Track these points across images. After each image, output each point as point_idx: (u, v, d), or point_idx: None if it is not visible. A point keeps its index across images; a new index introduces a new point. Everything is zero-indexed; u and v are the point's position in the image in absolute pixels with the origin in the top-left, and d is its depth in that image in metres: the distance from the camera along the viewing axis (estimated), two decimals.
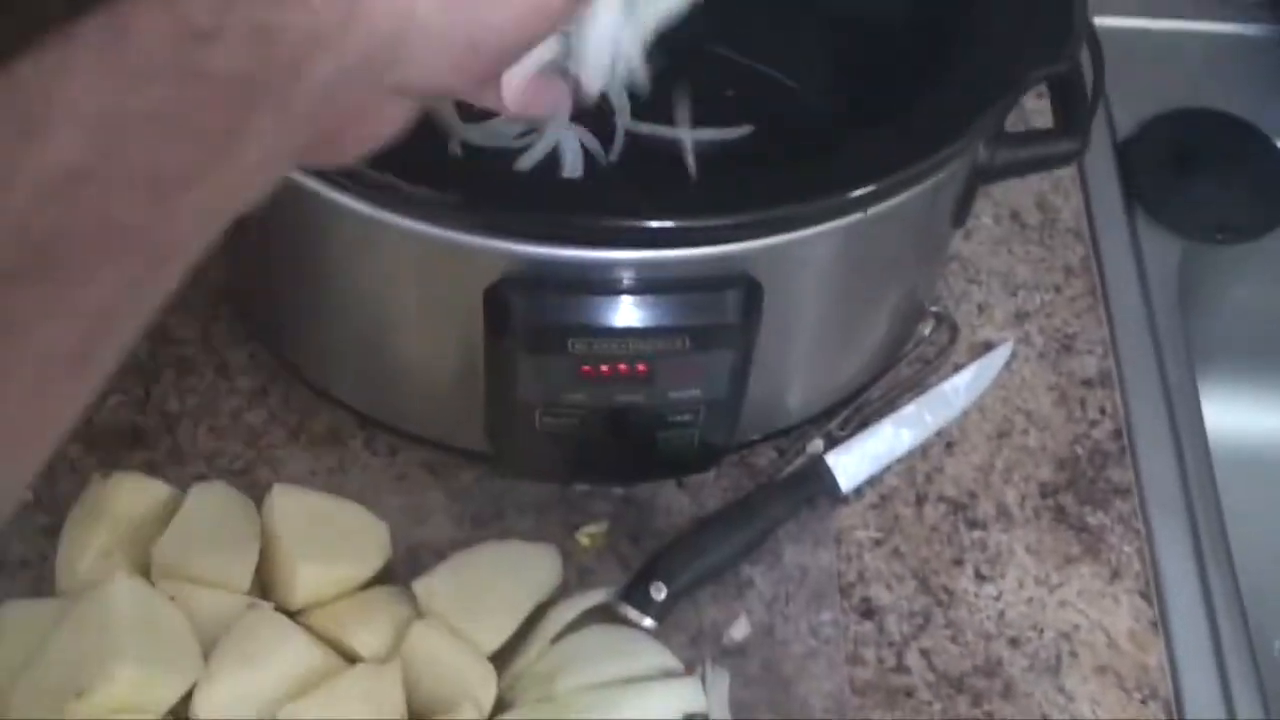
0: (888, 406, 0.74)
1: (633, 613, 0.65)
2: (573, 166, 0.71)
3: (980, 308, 0.79)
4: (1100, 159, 0.85)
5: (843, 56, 0.75)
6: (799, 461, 0.72)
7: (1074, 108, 0.67)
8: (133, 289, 0.34)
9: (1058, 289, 0.80)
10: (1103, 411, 0.75)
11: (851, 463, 0.71)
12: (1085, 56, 0.68)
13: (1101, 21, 0.90)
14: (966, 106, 0.60)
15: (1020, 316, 0.78)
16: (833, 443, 0.72)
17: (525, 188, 0.60)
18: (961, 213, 0.68)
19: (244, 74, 0.35)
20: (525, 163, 0.67)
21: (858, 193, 0.57)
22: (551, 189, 0.61)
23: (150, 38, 0.34)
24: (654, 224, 0.56)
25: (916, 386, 0.75)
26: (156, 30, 0.34)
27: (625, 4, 0.49)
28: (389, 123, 0.44)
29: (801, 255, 0.60)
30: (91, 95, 0.33)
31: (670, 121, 0.67)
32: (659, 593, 0.65)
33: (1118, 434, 0.74)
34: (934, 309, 0.77)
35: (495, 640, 0.63)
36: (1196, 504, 0.72)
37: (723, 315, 0.59)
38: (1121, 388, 0.76)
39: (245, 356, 0.74)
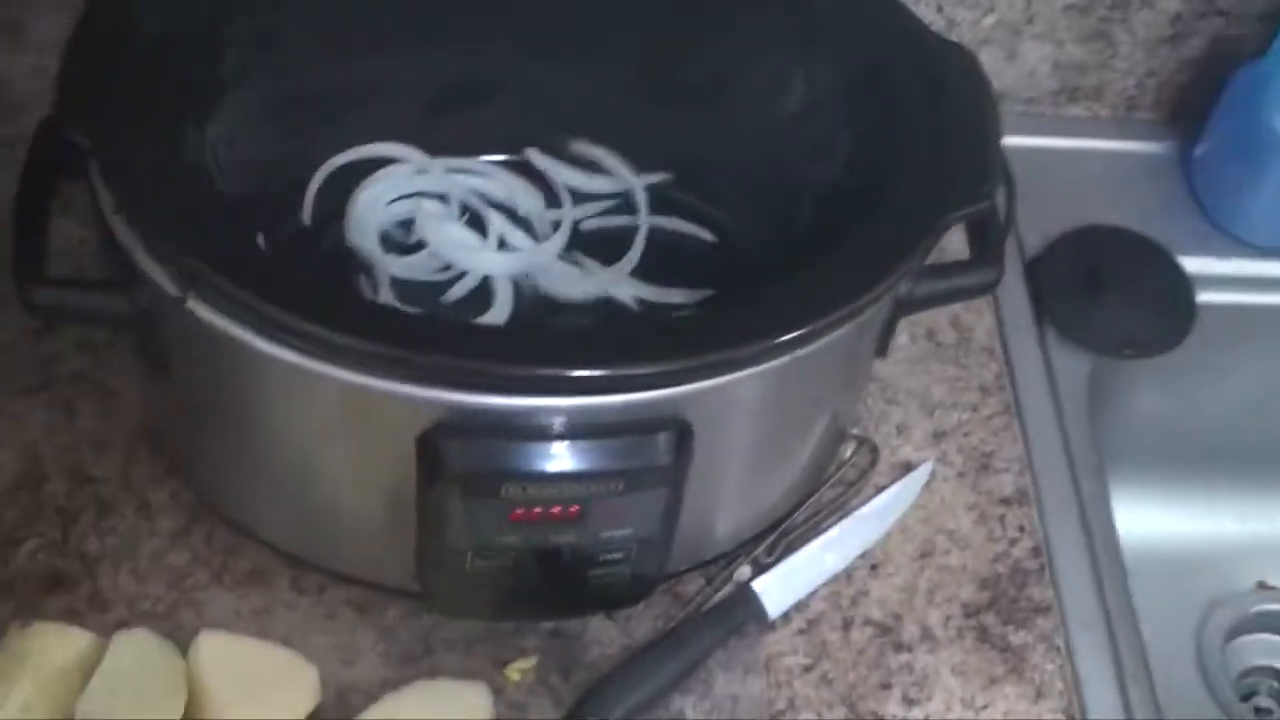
0: (812, 530, 0.74)
1: None
2: (501, 306, 0.72)
3: (899, 428, 0.80)
4: (1010, 277, 0.86)
5: (767, 198, 0.77)
6: (726, 589, 0.72)
7: (989, 238, 0.68)
8: None
9: (974, 407, 0.81)
10: (1021, 529, 0.77)
11: (778, 589, 0.72)
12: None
13: (1007, 142, 0.94)
14: (890, 249, 0.61)
15: (938, 436, 0.80)
16: (760, 569, 0.72)
17: (455, 336, 0.60)
18: (884, 343, 0.69)
19: None
20: (454, 294, 0.68)
21: (787, 337, 0.58)
22: (481, 337, 0.62)
23: None
24: (586, 373, 0.56)
25: (839, 508, 0.76)
26: None
27: None
28: None
29: (731, 396, 0.60)
30: None
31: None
32: None
33: (1036, 551, 0.76)
34: (854, 432, 0.78)
35: None
36: (1115, 620, 0.74)
37: (655, 457, 0.59)
38: (1039, 505, 0.78)
39: (166, 495, 0.73)
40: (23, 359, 0.77)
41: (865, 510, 0.75)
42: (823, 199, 0.72)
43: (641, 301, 0.77)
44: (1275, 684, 0.97)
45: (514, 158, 0.81)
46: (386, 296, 0.75)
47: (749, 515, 0.72)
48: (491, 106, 0.80)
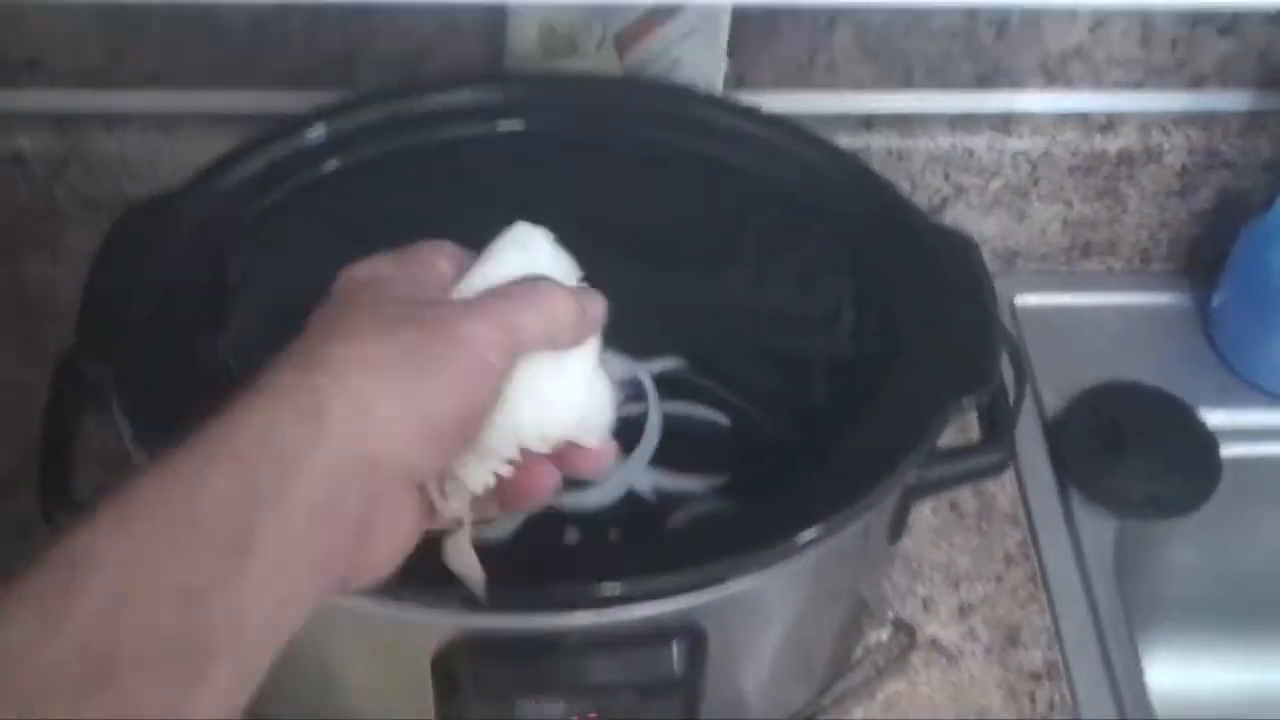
0: (840, 714, 0.74)
1: None
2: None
3: (925, 603, 0.80)
4: (1031, 439, 0.87)
5: (775, 380, 0.77)
6: None
7: (997, 418, 0.69)
8: (182, 691, 0.39)
9: (999, 578, 0.81)
10: (1052, 705, 0.76)
11: None
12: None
13: (1022, 300, 0.95)
14: (898, 442, 0.62)
15: (965, 610, 0.80)
16: None
17: None
18: (897, 529, 0.69)
19: (239, 491, 0.41)
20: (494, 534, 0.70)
21: (791, 543, 0.59)
22: (493, 556, 0.62)
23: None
24: (596, 591, 0.57)
25: (872, 693, 0.75)
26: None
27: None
28: (406, 511, 0.47)
29: (743, 600, 0.61)
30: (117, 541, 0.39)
31: None
32: None
33: None
34: (890, 615, 0.78)
35: None
36: None
37: (668, 669, 0.59)
38: (1069, 678, 0.77)
39: None
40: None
41: None
42: (830, 383, 0.73)
43: (659, 491, 0.77)
44: None
45: None
46: None
47: (770, 707, 0.72)
48: None
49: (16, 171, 0.91)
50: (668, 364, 0.81)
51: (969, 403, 0.64)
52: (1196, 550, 0.89)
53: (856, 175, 0.73)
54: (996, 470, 0.70)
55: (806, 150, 0.74)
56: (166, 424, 0.61)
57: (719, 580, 0.58)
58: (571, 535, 0.76)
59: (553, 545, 0.69)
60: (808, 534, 0.59)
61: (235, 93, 0.89)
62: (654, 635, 0.59)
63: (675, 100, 0.77)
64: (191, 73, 0.88)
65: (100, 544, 0.39)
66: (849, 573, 0.68)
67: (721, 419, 0.80)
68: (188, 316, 0.67)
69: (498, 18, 0.84)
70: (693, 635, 0.60)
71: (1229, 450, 0.87)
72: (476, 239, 0.78)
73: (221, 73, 0.88)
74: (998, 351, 0.66)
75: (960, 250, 0.70)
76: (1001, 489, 0.85)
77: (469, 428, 0.48)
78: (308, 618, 0.44)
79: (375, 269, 0.51)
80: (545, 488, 0.52)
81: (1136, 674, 0.77)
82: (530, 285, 0.51)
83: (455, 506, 0.50)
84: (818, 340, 0.73)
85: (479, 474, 0.50)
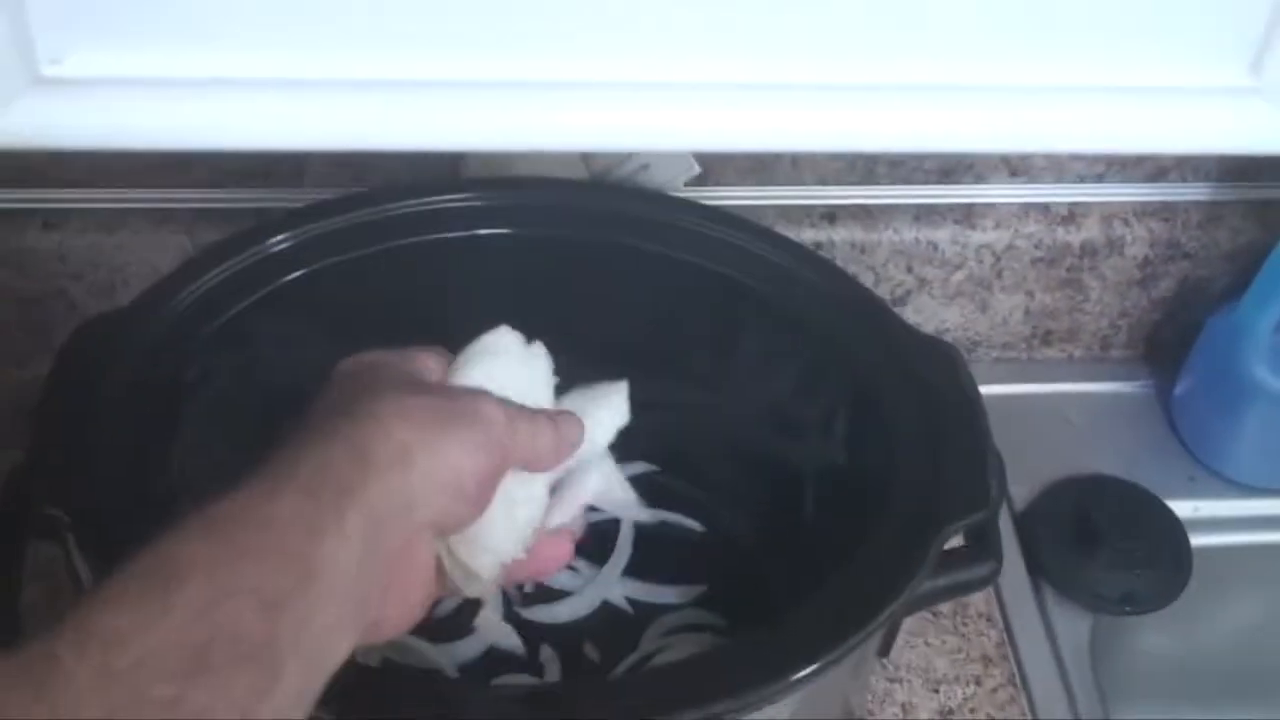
0: None
1: None
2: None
3: (904, 708, 0.78)
4: (1002, 534, 0.85)
5: (756, 486, 0.76)
6: None
7: (985, 530, 0.67)
8: (260, 690, 0.42)
9: (978, 680, 0.80)
10: None
11: None
12: None
13: (985, 390, 0.94)
14: (895, 569, 0.60)
15: (945, 715, 0.78)
16: None
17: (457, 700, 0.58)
18: (887, 646, 0.68)
19: (304, 516, 0.45)
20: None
21: (797, 676, 0.57)
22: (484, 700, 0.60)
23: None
24: None
25: None
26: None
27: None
28: (423, 570, 0.52)
29: None
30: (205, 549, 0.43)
31: None
32: None
33: None
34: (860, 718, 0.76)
35: None
36: None
37: None
38: None
39: None
40: None
41: None
42: (818, 492, 0.71)
43: (633, 602, 0.76)
44: None
45: None
46: None
47: None
48: None
49: None
50: (638, 468, 0.79)
51: (969, 519, 0.63)
52: (1168, 638, 0.89)
53: (840, 283, 0.72)
54: (986, 582, 0.68)
55: (789, 258, 0.72)
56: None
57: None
58: (547, 653, 0.74)
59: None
60: (807, 670, 0.57)
61: (178, 190, 0.86)
62: None
63: (659, 208, 0.76)
64: (132, 169, 0.85)
65: (191, 550, 0.43)
66: (838, 691, 0.67)
67: (695, 525, 0.79)
68: (143, 433, 0.64)
69: None
70: None
71: (1197, 540, 0.87)
72: (452, 344, 0.77)
73: (164, 168, 0.85)
74: (991, 475, 0.65)
75: (946, 361, 0.69)
76: None
77: (485, 494, 0.53)
78: (347, 654, 0.47)
79: (376, 356, 0.56)
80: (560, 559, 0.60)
81: None
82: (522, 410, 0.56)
83: (477, 586, 0.56)
84: (809, 446, 0.72)
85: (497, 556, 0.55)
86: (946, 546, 0.70)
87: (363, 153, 0.51)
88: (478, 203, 0.74)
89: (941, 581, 0.67)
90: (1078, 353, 0.97)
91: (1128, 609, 0.84)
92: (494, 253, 0.74)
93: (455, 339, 0.75)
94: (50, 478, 0.61)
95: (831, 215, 0.89)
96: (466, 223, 0.73)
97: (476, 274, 0.73)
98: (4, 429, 0.87)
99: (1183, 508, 0.88)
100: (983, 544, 0.68)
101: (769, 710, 0.58)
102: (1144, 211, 0.91)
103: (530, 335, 0.75)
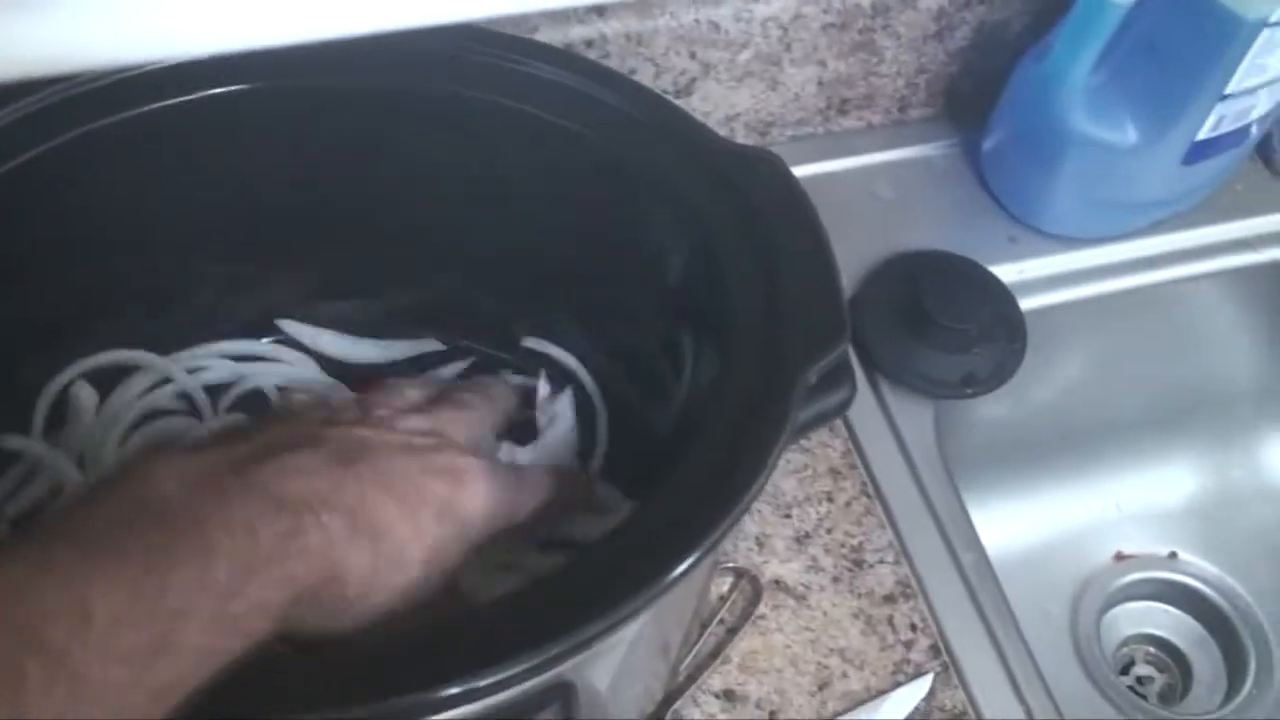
0: (696, 686, 0.67)
1: None
2: None
3: (759, 541, 0.73)
4: None
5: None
6: None
7: (838, 366, 0.61)
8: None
9: (830, 497, 0.75)
10: (914, 628, 0.71)
11: None
12: None
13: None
14: (759, 434, 0.53)
15: (801, 540, 0.73)
16: None
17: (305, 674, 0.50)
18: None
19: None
20: None
21: (673, 575, 0.50)
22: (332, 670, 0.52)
23: None
24: (451, 692, 0.47)
25: (725, 657, 0.68)
26: None
27: None
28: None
29: (613, 645, 0.52)
30: None
31: None
32: None
33: (935, 650, 0.70)
34: (728, 564, 0.71)
35: None
36: (1008, 656, 0.71)
37: None
38: (924, 595, 0.72)
39: None
40: None
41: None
42: (668, 349, 0.64)
43: None
44: (1150, 649, 0.95)
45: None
46: None
47: (634, 707, 0.64)
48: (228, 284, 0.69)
49: None
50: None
51: (829, 358, 0.56)
52: (1005, 407, 0.86)
53: (644, 102, 0.63)
54: (842, 410, 0.62)
55: (591, 85, 0.62)
56: None
57: (596, 640, 0.50)
58: None
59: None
60: (684, 566, 0.51)
61: None
62: (527, 704, 0.50)
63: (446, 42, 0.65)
64: None
65: None
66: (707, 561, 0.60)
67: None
68: None
69: None
70: (565, 692, 0.51)
71: (1026, 304, 0.82)
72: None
73: None
74: (843, 301, 0.58)
75: (773, 177, 0.61)
76: None
77: None
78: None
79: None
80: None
81: (986, 570, 0.73)
82: None
83: None
84: (654, 300, 0.64)
85: None
86: None
87: None
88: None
89: (799, 419, 0.61)
90: (876, 119, 0.90)
91: (969, 392, 0.79)
92: (260, 109, 0.62)
93: (220, 211, 0.65)
94: None
95: (600, 8, 0.78)
96: (187, 85, 0.61)
97: (241, 137, 0.62)
98: None
99: (1007, 271, 0.83)
100: (837, 370, 0.62)
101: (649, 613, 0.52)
102: None
103: (309, 196, 0.65)
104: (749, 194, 0.59)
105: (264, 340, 0.71)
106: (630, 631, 0.53)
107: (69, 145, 0.60)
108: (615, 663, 0.55)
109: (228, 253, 0.68)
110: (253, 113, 0.63)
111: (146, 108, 0.61)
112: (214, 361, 0.69)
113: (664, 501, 0.53)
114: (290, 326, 0.71)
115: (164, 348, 0.69)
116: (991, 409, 0.86)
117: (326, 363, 0.71)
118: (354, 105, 0.64)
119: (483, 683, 0.48)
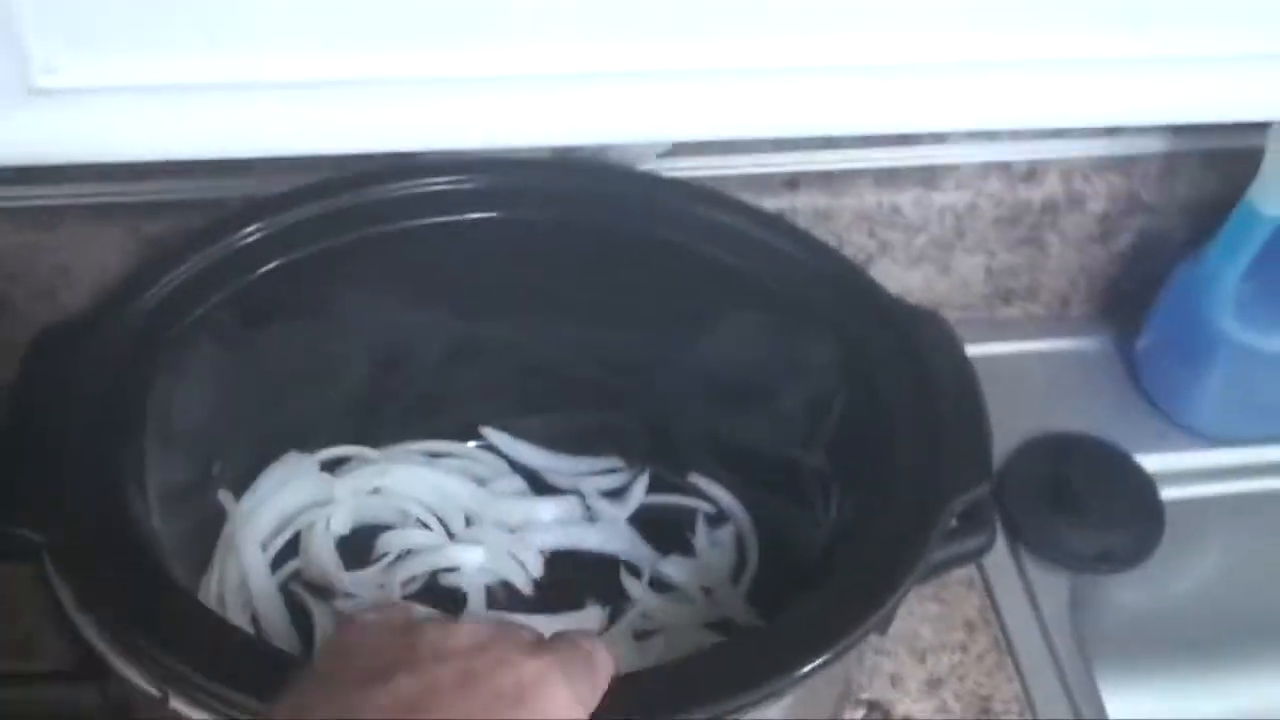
0: None
1: None
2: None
3: (893, 679, 0.78)
4: None
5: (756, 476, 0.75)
6: None
7: (978, 510, 0.67)
8: None
9: (964, 647, 0.80)
10: None
11: None
12: None
13: None
14: (903, 553, 0.60)
15: (933, 684, 0.78)
16: None
17: None
18: (885, 625, 0.67)
19: None
20: None
21: (814, 663, 0.56)
22: None
23: None
24: None
25: None
26: None
27: None
28: None
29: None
30: None
31: None
32: None
33: None
34: (864, 697, 0.76)
35: None
36: None
37: None
38: None
39: None
40: None
41: None
42: (813, 476, 0.70)
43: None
44: None
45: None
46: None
47: None
48: (436, 387, 0.78)
49: None
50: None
51: (971, 495, 0.62)
52: (1144, 593, 0.89)
53: (824, 257, 0.71)
54: (982, 554, 0.68)
55: (770, 233, 0.71)
56: (115, 591, 0.56)
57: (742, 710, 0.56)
58: None
59: None
60: (823, 658, 0.56)
61: (119, 183, 0.82)
62: None
63: (644, 188, 0.74)
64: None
65: None
66: (841, 674, 0.66)
67: (706, 507, 0.78)
68: (114, 443, 0.61)
69: None
70: None
71: (1168, 493, 0.87)
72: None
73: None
74: (990, 446, 0.64)
75: (937, 332, 0.68)
76: None
77: None
78: None
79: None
80: None
81: None
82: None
83: None
84: (806, 429, 0.71)
85: None
86: None
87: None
88: (457, 186, 0.71)
89: (939, 556, 0.67)
90: (1038, 310, 0.97)
91: (1105, 568, 0.84)
92: (478, 237, 0.72)
93: (438, 327, 0.74)
94: (19, 498, 0.58)
95: (794, 182, 0.87)
96: (446, 207, 0.71)
97: (459, 260, 0.71)
98: None
99: (1151, 461, 0.88)
100: (977, 517, 0.68)
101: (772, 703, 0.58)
102: (1102, 166, 0.90)
103: (515, 320, 0.74)
104: (913, 344, 0.67)
105: (470, 444, 0.79)
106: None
107: (317, 256, 0.70)
108: None
109: (439, 364, 0.77)
110: (479, 238, 0.73)
111: (391, 227, 0.71)
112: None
113: (804, 610, 0.60)
114: (492, 434, 0.79)
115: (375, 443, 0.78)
116: (1129, 594, 0.90)
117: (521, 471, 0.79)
118: (566, 237, 0.73)
119: None
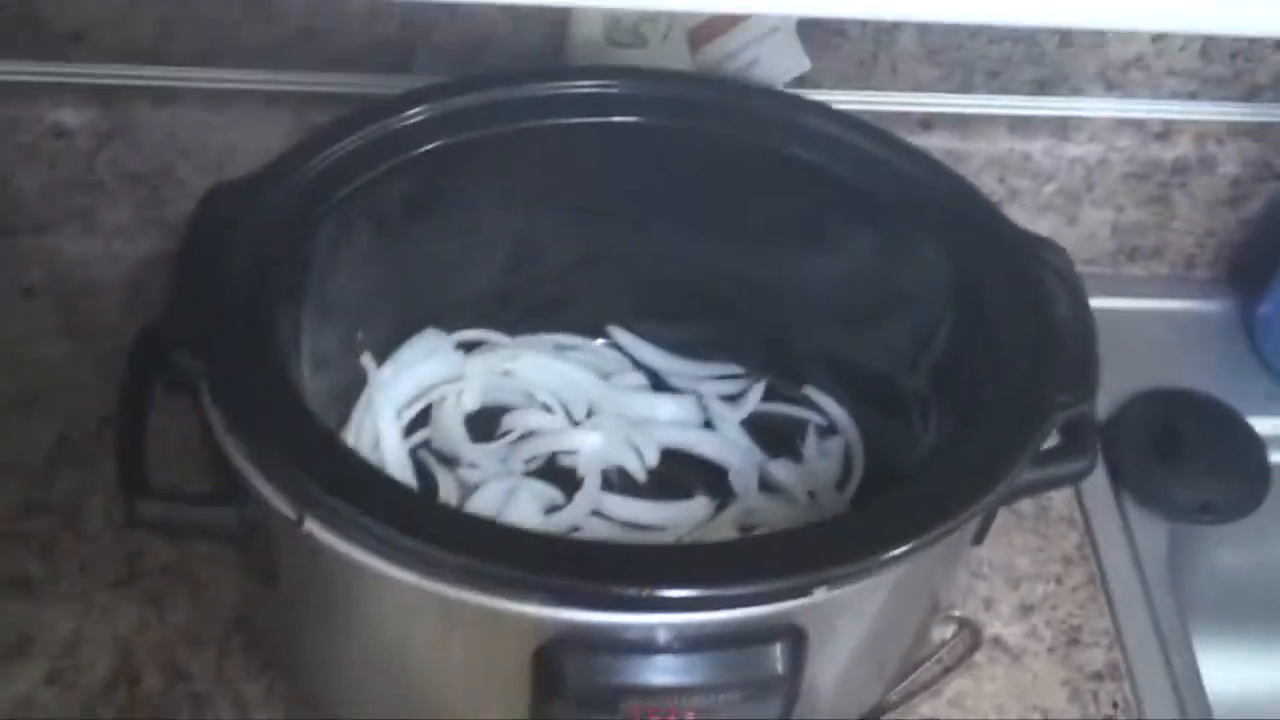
0: (907, 711, 0.75)
1: None
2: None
3: (986, 603, 0.80)
4: None
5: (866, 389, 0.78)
6: None
7: (1081, 428, 0.69)
8: None
9: (1059, 579, 0.82)
10: (1115, 705, 0.77)
11: None
12: None
13: None
14: (1006, 449, 0.62)
15: (1025, 609, 0.80)
16: None
17: (572, 555, 0.60)
18: (982, 533, 0.69)
19: None
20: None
21: (907, 547, 0.58)
22: (597, 555, 0.62)
23: None
24: (700, 593, 0.57)
25: (935, 690, 0.76)
26: None
27: None
28: None
29: (845, 601, 0.61)
30: None
31: None
32: None
33: None
34: (956, 614, 0.78)
35: None
36: None
37: (771, 668, 0.59)
38: (1131, 679, 0.78)
39: (262, 690, 0.73)
40: (109, 552, 0.78)
41: None
42: (922, 384, 0.73)
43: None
44: None
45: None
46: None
47: (847, 704, 0.72)
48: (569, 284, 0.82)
49: (59, 144, 0.89)
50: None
51: (1073, 410, 0.64)
52: (1245, 554, 0.91)
53: (947, 179, 0.73)
54: (1082, 476, 0.70)
55: (896, 155, 0.74)
56: (262, 422, 0.60)
57: (827, 585, 0.58)
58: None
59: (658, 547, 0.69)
60: (916, 541, 0.59)
61: (288, 73, 0.88)
62: (758, 635, 0.59)
63: (783, 105, 0.77)
64: (243, 51, 0.87)
65: None
66: (936, 573, 0.68)
67: (817, 418, 0.81)
68: (273, 294, 0.66)
69: (560, 8, 0.84)
70: (795, 636, 0.59)
71: (1276, 457, 0.88)
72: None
73: (273, 52, 0.87)
74: (1097, 359, 0.66)
75: (1051, 255, 0.71)
76: (1058, 492, 0.85)
77: None
78: None
79: None
80: None
81: (1195, 675, 0.78)
82: None
83: None
84: (917, 341, 0.73)
85: None
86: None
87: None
88: (606, 89, 0.75)
89: (1039, 474, 0.69)
90: (1162, 270, 0.98)
91: (1207, 519, 0.85)
92: (621, 141, 0.76)
93: (575, 227, 0.78)
94: (184, 329, 0.63)
95: (928, 123, 0.90)
96: (595, 109, 0.75)
97: (601, 162, 0.75)
98: (115, 304, 0.90)
99: (1262, 425, 0.90)
100: (1078, 440, 0.70)
101: (881, 581, 0.61)
102: (1237, 131, 0.92)
103: (647, 228, 0.77)
104: (1027, 266, 0.69)
105: (597, 342, 0.83)
106: (865, 594, 0.61)
107: (472, 143, 0.74)
108: (842, 632, 0.64)
109: (571, 264, 0.81)
110: (622, 142, 0.76)
111: (542, 123, 0.75)
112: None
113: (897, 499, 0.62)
114: (618, 334, 0.83)
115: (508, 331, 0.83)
116: (1228, 554, 0.91)
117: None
118: (703, 148, 0.76)
119: (737, 590, 0.57)
